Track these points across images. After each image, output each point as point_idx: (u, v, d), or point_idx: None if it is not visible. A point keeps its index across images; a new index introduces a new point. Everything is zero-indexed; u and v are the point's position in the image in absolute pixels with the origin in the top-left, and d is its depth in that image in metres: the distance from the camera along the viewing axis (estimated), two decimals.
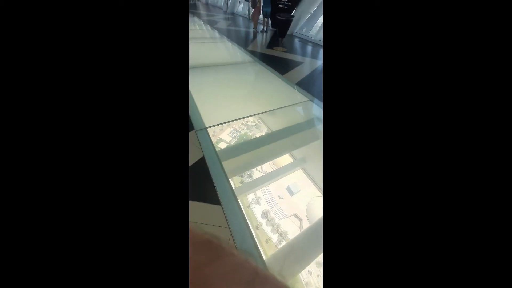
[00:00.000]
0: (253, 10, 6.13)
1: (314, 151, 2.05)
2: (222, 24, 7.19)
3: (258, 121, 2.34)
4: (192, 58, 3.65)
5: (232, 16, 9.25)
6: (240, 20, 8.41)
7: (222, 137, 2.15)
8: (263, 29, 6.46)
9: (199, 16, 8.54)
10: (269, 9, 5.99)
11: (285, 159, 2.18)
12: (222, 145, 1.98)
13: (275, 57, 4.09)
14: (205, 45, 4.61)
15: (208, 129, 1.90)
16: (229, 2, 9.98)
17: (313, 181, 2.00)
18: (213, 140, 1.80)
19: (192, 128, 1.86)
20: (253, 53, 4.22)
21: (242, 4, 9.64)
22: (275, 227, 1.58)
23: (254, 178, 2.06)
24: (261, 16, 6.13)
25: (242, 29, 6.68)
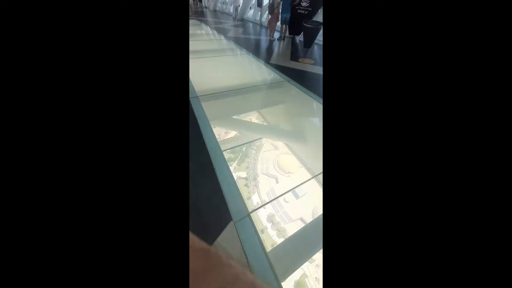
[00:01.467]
0: (269, 16, 5.49)
1: None
2: (234, 32, 6.56)
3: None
4: (210, 80, 2.99)
5: (242, 22, 8.66)
6: (252, 27, 7.78)
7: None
8: (280, 37, 5.81)
9: (208, 23, 7.94)
10: (288, 15, 5.35)
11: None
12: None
13: (306, 73, 3.40)
14: (222, 60, 3.94)
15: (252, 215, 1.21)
16: (239, 8, 9.42)
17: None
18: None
19: (230, 218, 1.16)
20: (278, 67, 3.55)
21: (253, 10, 9.06)
22: (280, 232, 1.43)
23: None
24: (278, 23, 5.49)
25: (257, 38, 6.03)
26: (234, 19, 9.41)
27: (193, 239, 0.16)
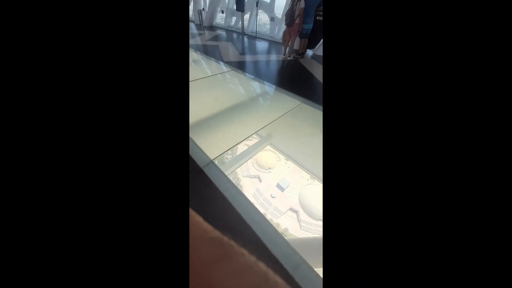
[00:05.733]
0: (279, 28, 3.86)
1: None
2: (227, 50, 4.63)
3: None
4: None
5: (215, 32, 6.70)
6: (237, 38, 5.94)
7: None
8: (297, 54, 4.28)
9: None
10: (311, 26, 3.85)
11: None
12: None
13: None
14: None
15: None
16: (203, 12, 7.37)
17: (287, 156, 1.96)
18: None
19: None
20: None
21: (225, 14, 7.16)
22: (276, 227, 1.30)
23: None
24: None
25: (272, 59, 4.27)
26: (200, 26, 7.34)
27: (207, 227, 0.16)
